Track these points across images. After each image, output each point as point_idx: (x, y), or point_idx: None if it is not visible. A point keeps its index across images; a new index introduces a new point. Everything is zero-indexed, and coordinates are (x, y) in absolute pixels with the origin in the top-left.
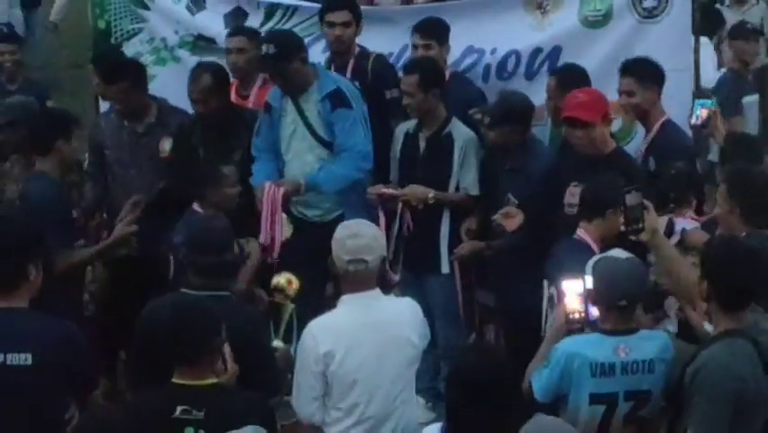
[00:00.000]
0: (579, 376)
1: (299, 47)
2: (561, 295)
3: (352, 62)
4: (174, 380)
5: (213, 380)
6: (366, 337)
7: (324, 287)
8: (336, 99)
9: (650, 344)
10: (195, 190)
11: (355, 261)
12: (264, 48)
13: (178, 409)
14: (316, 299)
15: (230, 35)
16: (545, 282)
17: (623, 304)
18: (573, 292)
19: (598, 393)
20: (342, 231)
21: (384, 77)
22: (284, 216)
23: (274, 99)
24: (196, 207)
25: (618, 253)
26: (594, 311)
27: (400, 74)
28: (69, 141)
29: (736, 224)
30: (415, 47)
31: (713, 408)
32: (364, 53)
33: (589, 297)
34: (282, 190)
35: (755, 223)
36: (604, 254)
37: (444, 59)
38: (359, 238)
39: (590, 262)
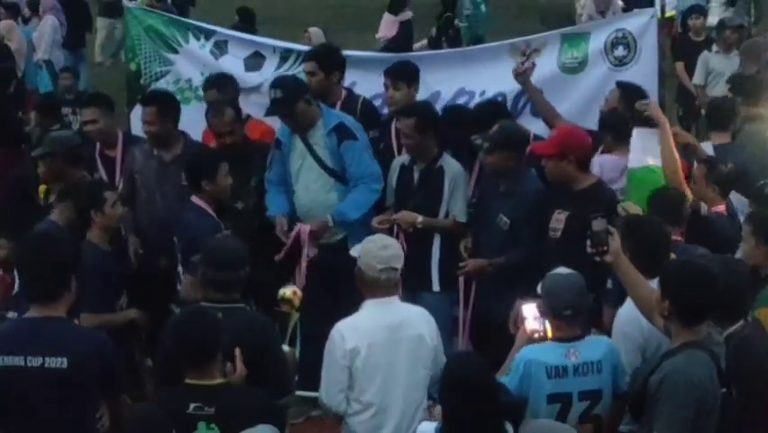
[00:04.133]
0: (537, 379)
1: (303, 90)
2: (521, 318)
3: (339, 104)
4: (186, 380)
5: (221, 380)
6: (385, 336)
7: (334, 297)
8: (342, 133)
9: (596, 347)
10: None
11: (387, 269)
12: (272, 93)
13: (191, 405)
14: (328, 307)
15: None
16: (518, 301)
17: (568, 313)
18: (531, 315)
19: (555, 393)
20: (370, 244)
21: (370, 118)
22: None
23: (283, 136)
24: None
25: (562, 270)
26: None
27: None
28: (214, 180)
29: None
30: (386, 86)
31: (679, 412)
32: (352, 96)
33: (540, 309)
34: (308, 228)
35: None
36: (551, 272)
37: (413, 98)
38: (389, 249)
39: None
